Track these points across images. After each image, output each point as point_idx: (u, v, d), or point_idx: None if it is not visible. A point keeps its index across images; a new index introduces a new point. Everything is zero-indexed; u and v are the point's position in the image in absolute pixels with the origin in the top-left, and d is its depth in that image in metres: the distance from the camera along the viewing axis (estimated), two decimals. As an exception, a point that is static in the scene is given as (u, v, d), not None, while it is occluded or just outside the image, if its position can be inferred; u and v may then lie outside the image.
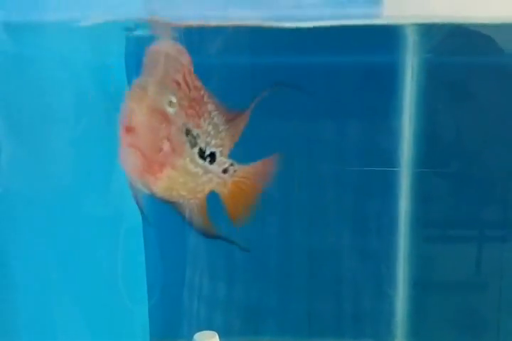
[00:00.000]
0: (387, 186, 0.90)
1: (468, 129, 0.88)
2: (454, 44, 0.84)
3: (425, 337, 0.91)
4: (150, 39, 0.48)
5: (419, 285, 0.91)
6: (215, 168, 0.50)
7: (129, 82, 0.83)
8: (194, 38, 0.72)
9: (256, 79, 0.87)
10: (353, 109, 0.90)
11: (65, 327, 0.57)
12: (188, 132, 0.44)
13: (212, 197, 0.53)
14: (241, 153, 0.90)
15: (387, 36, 0.84)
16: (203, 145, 0.47)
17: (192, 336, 0.85)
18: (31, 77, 0.54)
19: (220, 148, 0.50)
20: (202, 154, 0.47)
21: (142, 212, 0.49)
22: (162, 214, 0.92)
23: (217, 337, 0.84)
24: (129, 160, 0.41)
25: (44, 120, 0.56)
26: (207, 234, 0.52)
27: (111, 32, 0.76)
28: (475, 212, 0.90)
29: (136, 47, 0.84)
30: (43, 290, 0.52)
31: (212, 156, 0.49)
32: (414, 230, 0.91)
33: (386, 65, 0.88)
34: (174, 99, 0.42)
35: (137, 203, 0.46)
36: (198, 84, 0.46)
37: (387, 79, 0.88)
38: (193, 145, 0.45)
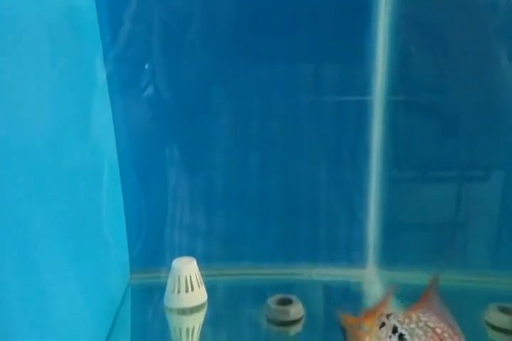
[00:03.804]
0: (361, 116, 0.91)
1: (442, 59, 0.88)
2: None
3: (396, 261, 0.95)
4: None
5: (390, 212, 0.95)
6: None
7: (100, 21, 0.83)
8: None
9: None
10: (328, 40, 0.89)
11: (48, 263, 0.59)
12: None
13: None
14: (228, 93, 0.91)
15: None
16: None
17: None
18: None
19: None
20: None
21: None
22: (141, 150, 0.94)
23: (195, 262, 0.87)
24: None
25: (19, 62, 0.55)
26: None
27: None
28: (447, 143, 0.92)
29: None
30: (25, 230, 0.54)
31: None
32: (387, 159, 0.93)
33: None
34: None
35: None
36: None
37: (362, 11, 0.87)
38: None
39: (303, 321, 0.81)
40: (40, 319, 0.56)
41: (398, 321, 0.49)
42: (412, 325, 0.48)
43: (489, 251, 0.93)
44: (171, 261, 0.86)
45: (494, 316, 0.78)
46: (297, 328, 0.80)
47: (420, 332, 0.47)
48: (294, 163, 0.94)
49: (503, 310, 0.78)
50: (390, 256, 0.96)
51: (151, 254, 0.97)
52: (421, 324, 0.48)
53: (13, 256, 0.51)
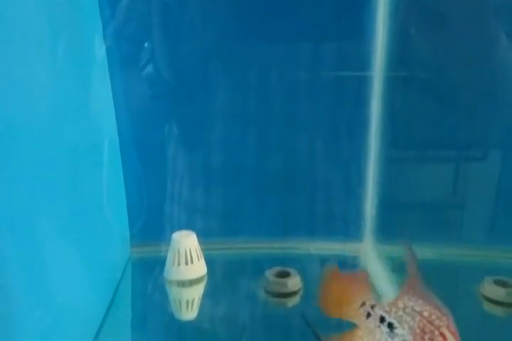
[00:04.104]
0: (360, 92, 0.92)
1: (442, 35, 0.88)
2: None
3: (393, 235, 0.96)
4: None
5: (388, 188, 0.95)
6: None
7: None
8: None
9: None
10: (328, 15, 0.89)
11: (48, 238, 0.60)
12: None
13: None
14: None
15: None
16: None
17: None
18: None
19: None
20: None
21: None
22: (141, 127, 0.94)
23: (194, 235, 0.88)
24: None
25: (18, 39, 0.55)
26: None
27: None
28: (445, 122, 0.92)
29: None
30: (26, 206, 0.54)
31: None
32: (385, 136, 0.93)
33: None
34: None
35: None
36: None
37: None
38: None
39: (301, 293, 0.82)
40: (41, 292, 0.57)
41: (385, 311, 0.50)
42: (400, 312, 0.48)
43: (485, 227, 0.94)
44: (171, 236, 0.87)
45: (490, 289, 0.79)
46: (295, 300, 0.81)
47: (408, 318, 0.47)
48: (293, 138, 0.95)
49: (499, 283, 0.79)
50: (387, 230, 0.97)
51: (151, 229, 0.98)
52: (408, 310, 0.48)
53: (14, 230, 0.51)
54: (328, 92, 0.92)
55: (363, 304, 0.51)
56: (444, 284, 0.87)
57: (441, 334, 0.45)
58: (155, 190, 0.97)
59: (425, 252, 0.93)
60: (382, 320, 0.49)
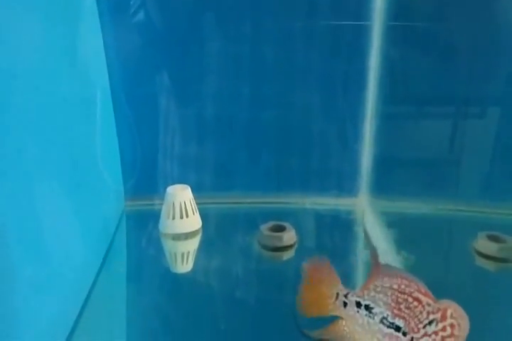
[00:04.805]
0: (359, 41, 0.89)
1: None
2: None
3: (387, 191, 0.96)
4: None
5: (385, 144, 0.95)
6: None
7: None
8: None
9: None
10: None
11: (42, 190, 0.59)
12: None
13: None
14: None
15: None
16: None
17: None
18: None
19: None
20: None
21: None
22: (133, 79, 0.92)
23: (189, 189, 0.88)
24: None
25: None
26: None
27: None
28: (443, 77, 0.91)
29: None
30: (20, 160, 0.53)
31: None
32: (383, 90, 0.92)
33: None
34: None
35: None
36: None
37: None
38: None
39: (295, 247, 0.82)
40: (37, 246, 0.57)
41: (358, 296, 0.53)
42: (372, 293, 0.51)
43: (480, 183, 0.94)
44: (164, 190, 0.87)
45: (483, 244, 0.79)
46: (290, 254, 0.81)
47: (381, 296, 0.51)
48: (288, 92, 0.93)
49: (492, 238, 0.80)
50: (382, 185, 0.97)
51: (144, 183, 0.97)
52: (378, 289, 0.51)
53: (9, 185, 0.50)
54: (324, 43, 0.90)
55: (337, 296, 0.55)
56: (438, 239, 0.88)
57: (415, 299, 0.48)
58: (148, 143, 0.96)
59: (420, 207, 0.94)
60: (358, 305, 0.53)
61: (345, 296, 0.54)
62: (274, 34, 0.90)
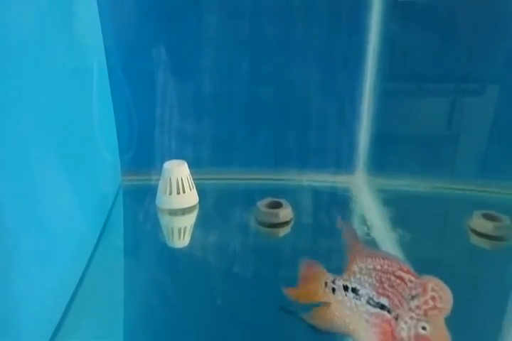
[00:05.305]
0: (359, 16, 0.88)
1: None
2: None
3: (384, 168, 0.96)
4: None
5: (382, 122, 0.94)
6: None
7: None
8: None
9: None
10: None
11: (39, 165, 0.59)
12: None
13: None
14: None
15: None
16: None
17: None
18: None
19: None
20: None
21: None
22: (130, 53, 0.91)
23: (186, 165, 0.88)
24: None
25: None
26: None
27: None
28: (443, 53, 0.90)
29: None
30: (16, 133, 0.53)
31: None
32: (382, 65, 0.91)
33: None
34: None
35: None
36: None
37: None
38: None
39: (292, 223, 0.83)
40: (35, 220, 0.57)
41: (344, 280, 0.55)
42: (357, 276, 0.53)
43: (478, 161, 0.94)
44: (161, 165, 0.87)
45: (478, 222, 0.80)
46: (286, 230, 0.81)
47: (365, 277, 0.52)
48: (286, 67, 0.93)
49: (487, 217, 0.80)
50: (379, 163, 0.97)
51: (141, 158, 0.97)
52: (363, 271, 0.53)
53: (6, 159, 0.50)
54: (324, 18, 0.89)
55: (326, 284, 0.58)
56: (434, 217, 0.88)
57: (398, 277, 0.49)
58: (145, 118, 0.95)
59: (417, 185, 0.94)
60: (345, 288, 0.55)
61: (333, 282, 0.56)
62: (273, 8, 0.89)
